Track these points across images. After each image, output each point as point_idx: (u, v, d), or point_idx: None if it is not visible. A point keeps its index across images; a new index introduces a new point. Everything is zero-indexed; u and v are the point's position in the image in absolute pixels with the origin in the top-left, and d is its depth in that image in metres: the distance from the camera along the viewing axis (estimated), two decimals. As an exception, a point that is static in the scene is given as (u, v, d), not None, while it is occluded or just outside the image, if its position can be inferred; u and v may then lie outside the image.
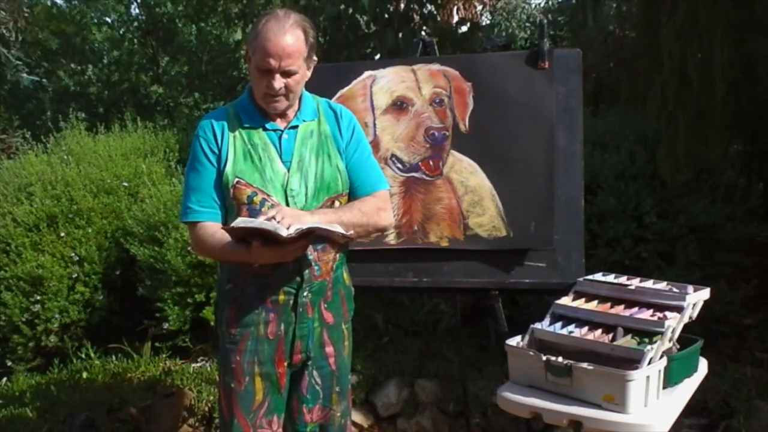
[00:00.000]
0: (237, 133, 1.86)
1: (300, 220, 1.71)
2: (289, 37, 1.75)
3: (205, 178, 1.85)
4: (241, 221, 1.71)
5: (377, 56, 5.00)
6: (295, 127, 1.88)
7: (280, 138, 1.86)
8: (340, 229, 1.72)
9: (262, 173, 1.83)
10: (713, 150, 3.21)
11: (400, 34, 4.76)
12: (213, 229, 1.83)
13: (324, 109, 1.95)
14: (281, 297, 1.85)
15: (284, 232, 1.63)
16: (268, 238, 1.66)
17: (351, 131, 1.95)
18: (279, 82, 1.77)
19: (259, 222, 1.67)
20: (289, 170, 1.84)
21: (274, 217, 1.68)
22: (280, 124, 1.88)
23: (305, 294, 1.86)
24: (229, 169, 1.82)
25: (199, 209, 1.84)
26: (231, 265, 1.88)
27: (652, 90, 3.13)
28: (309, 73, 1.86)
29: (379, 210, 1.91)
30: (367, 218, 1.87)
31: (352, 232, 1.75)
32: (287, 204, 1.82)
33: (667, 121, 3.13)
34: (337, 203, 1.89)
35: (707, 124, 3.07)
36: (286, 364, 1.90)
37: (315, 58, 1.86)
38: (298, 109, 1.89)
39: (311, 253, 1.83)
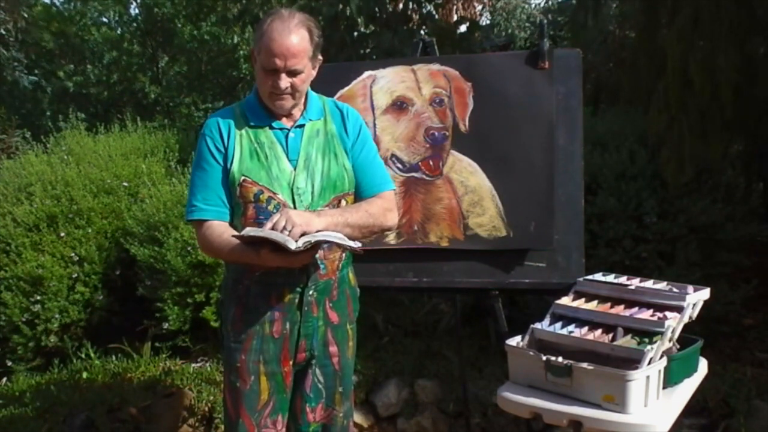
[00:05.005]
0: (243, 131, 1.86)
1: (308, 223, 1.70)
2: (294, 37, 1.76)
3: (212, 176, 1.85)
4: (251, 230, 1.70)
5: (374, 57, 5.01)
6: (302, 126, 1.89)
7: (286, 137, 1.87)
8: (349, 242, 1.72)
9: (268, 171, 1.83)
10: (715, 151, 3.21)
11: (396, 34, 4.77)
12: (220, 229, 1.83)
13: (330, 109, 1.96)
14: (287, 296, 1.85)
15: (293, 245, 1.63)
16: (278, 245, 1.66)
17: (357, 131, 1.95)
18: (285, 82, 1.78)
19: (269, 232, 1.66)
20: (295, 168, 1.84)
21: (285, 227, 1.67)
22: (286, 123, 1.88)
23: (311, 293, 1.86)
24: (235, 167, 1.83)
25: (205, 207, 1.84)
26: (236, 265, 1.88)
27: (654, 93, 3.13)
28: (314, 73, 1.87)
29: (386, 211, 1.92)
30: (373, 219, 1.87)
31: (360, 244, 1.75)
32: (293, 202, 1.82)
33: (670, 124, 3.14)
34: (343, 202, 1.89)
35: (710, 126, 3.07)
36: (291, 363, 1.90)
37: (320, 57, 1.87)
38: (305, 108, 1.90)
39: (317, 252, 1.83)
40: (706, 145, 3.14)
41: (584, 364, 1.81)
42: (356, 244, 1.74)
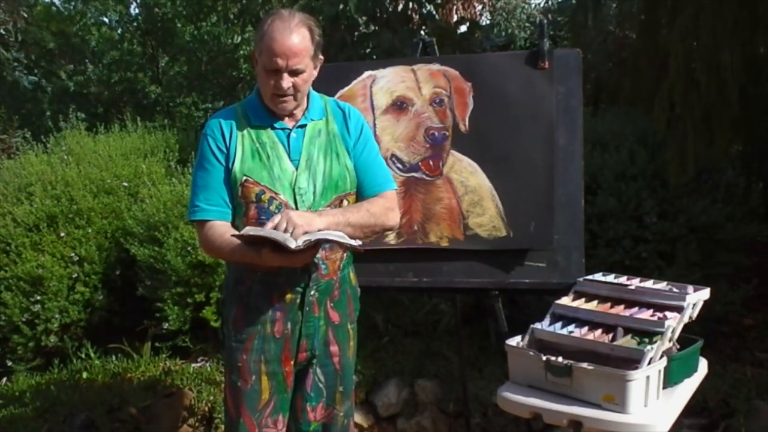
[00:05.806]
0: (245, 131, 1.86)
1: (309, 223, 1.71)
2: (296, 36, 1.76)
3: (214, 176, 1.85)
4: (251, 230, 1.71)
5: (374, 57, 5.01)
6: (304, 126, 1.89)
7: (288, 136, 1.87)
8: (349, 241, 1.72)
9: (270, 171, 1.83)
10: (718, 151, 3.21)
11: (396, 34, 4.77)
12: (222, 229, 1.83)
13: (332, 109, 1.96)
14: (288, 296, 1.85)
15: (293, 244, 1.63)
16: (278, 245, 1.67)
17: (359, 131, 1.95)
18: (287, 82, 1.78)
19: (269, 232, 1.67)
20: (297, 168, 1.85)
21: (285, 228, 1.67)
22: (288, 123, 1.88)
23: (312, 293, 1.87)
24: (237, 167, 1.83)
25: (207, 207, 1.85)
26: (238, 264, 1.88)
27: (658, 93, 3.13)
28: (316, 72, 1.87)
29: (388, 210, 1.92)
30: (375, 219, 1.87)
31: (361, 243, 1.76)
32: (295, 202, 1.82)
33: (674, 124, 3.14)
34: (345, 202, 1.90)
35: (716, 124, 3.07)
36: (292, 362, 1.91)
37: (321, 56, 1.87)
38: (306, 108, 1.90)
39: (319, 252, 1.83)
40: (709, 144, 3.14)
41: (584, 364, 1.81)
42: (357, 243, 1.74)
